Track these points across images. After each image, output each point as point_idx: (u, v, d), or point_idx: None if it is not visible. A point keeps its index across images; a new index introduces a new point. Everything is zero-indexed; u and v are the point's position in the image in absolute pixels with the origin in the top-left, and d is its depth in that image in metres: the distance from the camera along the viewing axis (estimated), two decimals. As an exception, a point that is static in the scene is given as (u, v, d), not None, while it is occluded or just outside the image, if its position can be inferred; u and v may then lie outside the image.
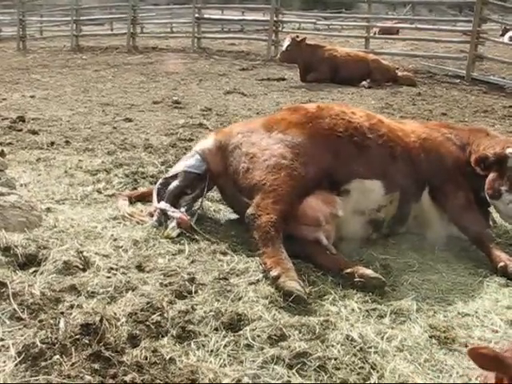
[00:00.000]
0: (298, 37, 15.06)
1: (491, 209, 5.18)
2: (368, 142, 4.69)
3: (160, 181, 5.14)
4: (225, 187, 4.93)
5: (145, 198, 5.36)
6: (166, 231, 4.49)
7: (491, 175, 4.72)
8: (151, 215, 4.81)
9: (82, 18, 26.71)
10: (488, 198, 4.80)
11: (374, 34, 23.32)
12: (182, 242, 4.44)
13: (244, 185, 4.52)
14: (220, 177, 4.86)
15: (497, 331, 3.48)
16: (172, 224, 4.55)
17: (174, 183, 4.88)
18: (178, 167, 5.05)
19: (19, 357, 2.80)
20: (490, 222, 5.12)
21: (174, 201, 4.79)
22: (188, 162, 4.98)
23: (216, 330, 3.26)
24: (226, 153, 4.79)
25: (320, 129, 4.65)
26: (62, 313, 3.21)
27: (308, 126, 4.66)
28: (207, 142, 5.02)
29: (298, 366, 2.96)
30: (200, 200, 4.95)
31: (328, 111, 4.83)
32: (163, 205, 4.72)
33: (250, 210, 4.20)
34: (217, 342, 3.14)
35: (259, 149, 4.55)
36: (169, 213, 4.64)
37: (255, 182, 4.38)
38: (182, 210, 4.71)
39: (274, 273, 3.78)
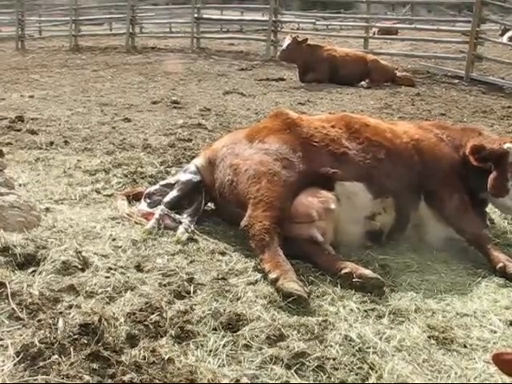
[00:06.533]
0: (298, 37, 15.06)
1: (488, 209, 5.20)
2: (345, 150, 4.70)
3: (155, 186, 5.20)
4: (216, 200, 5.00)
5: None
6: (176, 235, 4.51)
7: (492, 174, 4.72)
8: (145, 218, 4.82)
9: (80, 17, 26.72)
10: (493, 197, 4.81)
11: (373, 34, 23.33)
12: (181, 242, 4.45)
13: (230, 197, 4.63)
14: (212, 191, 4.93)
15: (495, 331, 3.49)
16: (181, 229, 4.57)
17: (172, 194, 4.91)
18: (175, 179, 5.13)
19: (18, 356, 2.80)
20: (488, 223, 5.12)
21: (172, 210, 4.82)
22: (184, 175, 5.04)
23: (215, 330, 3.26)
24: (214, 167, 4.90)
25: (297, 135, 4.72)
26: (61, 313, 3.21)
27: (286, 132, 4.76)
28: (199, 160, 5.13)
29: (297, 366, 2.96)
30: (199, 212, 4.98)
31: (308, 123, 4.89)
32: (162, 209, 4.75)
33: (243, 222, 4.27)
34: (215, 342, 3.14)
35: (241, 159, 4.64)
36: (171, 215, 4.71)
37: (240, 195, 4.47)
38: (185, 219, 4.72)
39: (272, 275, 3.81)
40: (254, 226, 4.17)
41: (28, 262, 3.80)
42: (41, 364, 2.77)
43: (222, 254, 4.33)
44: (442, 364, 3.11)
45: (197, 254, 4.28)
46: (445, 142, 5.03)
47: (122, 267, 3.93)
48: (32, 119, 9.33)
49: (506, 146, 4.69)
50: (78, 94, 12.48)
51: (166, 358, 2.93)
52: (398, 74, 15.45)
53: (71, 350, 2.87)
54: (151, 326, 3.19)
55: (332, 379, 2.90)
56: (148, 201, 5.04)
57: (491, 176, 4.72)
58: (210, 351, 3.07)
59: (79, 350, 2.88)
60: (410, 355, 3.16)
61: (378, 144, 4.80)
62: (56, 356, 2.82)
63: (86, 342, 2.94)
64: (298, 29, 28.51)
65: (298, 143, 4.67)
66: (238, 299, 3.62)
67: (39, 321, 3.10)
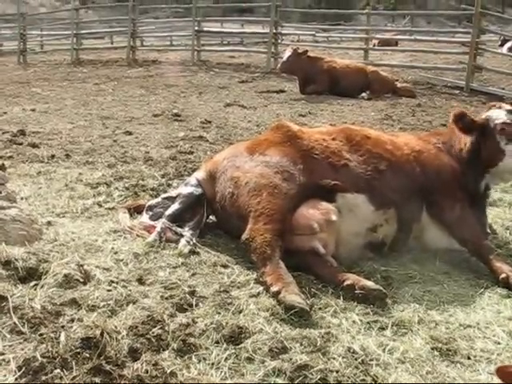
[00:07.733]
0: (298, 49, 15.11)
1: (490, 220, 5.20)
2: (346, 162, 4.69)
3: (156, 199, 5.21)
4: (217, 213, 5.00)
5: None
6: (178, 248, 4.51)
7: (484, 146, 4.86)
8: (147, 231, 4.81)
9: (82, 31, 26.88)
10: (493, 168, 4.89)
11: (373, 45, 23.41)
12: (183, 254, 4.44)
13: (231, 210, 4.62)
14: (213, 203, 4.93)
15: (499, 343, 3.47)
16: (183, 241, 4.57)
17: (173, 207, 4.91)
18: (177, 192, 5.13)
19: (20, 371, 2.79)
20: (488, 230, 5.10)
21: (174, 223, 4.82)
22: (186, 188, 5.05)
23: (217, 342, 3.25)
24: (215, 180, 4.90)
25: (298, 148, 4.72)
26: (63, 326, 3.21)
27: (287, 145, 4.76)
28: (200, 172, 5.14)
29: (300, 378, 2.94)
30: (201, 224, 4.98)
31: (308, 136, 4.89)
32: (164, 222, 4.76)
33: (244, 235, 4.25)
34: (218, 355, 3.13)
35: (242, 172, 4.63)
36: (173, 228, 4.70)
37: (241, 208, 4.47)
38: (186, 232, 4.72)
39: (274, 288, 3.79)
40: (255, 239, 4.16)
41: (30, 275, 3.80)
42: (43, 378, 2.77)
43: (224, 266, 4.32)
44: (446, 376, 3.09)
45: (199, 267, 4.27)
46: (444, 152, 5.05)
47: (123, 280, 3.92)
48: (33, 133, 9.36)
49: (483, 116, 4.93)
50: (79, 108, 12.51)
51: (169, 371, 2.92)
52: (399, 85, 15.49)
53: (73, 364, 2.87)
54: (153, 340, 3.18)
55: (335, 392, 2.89)
56: (150, 213, 5.04)
57: (483, 148, 4.87)
58: (213, 364, 3.06)
59: (81, 364, 2.87)
60: (413, 367, 3.15)
61: (378, 156, 4.80)
62: (58, 370, 2.81)
63: (88, 355, 2.93)
64: (298, 41, 28.59)
65: (299, 156, 4.66)
66: (240, 312, 3.61)
67: (41, 335, 3.10)
